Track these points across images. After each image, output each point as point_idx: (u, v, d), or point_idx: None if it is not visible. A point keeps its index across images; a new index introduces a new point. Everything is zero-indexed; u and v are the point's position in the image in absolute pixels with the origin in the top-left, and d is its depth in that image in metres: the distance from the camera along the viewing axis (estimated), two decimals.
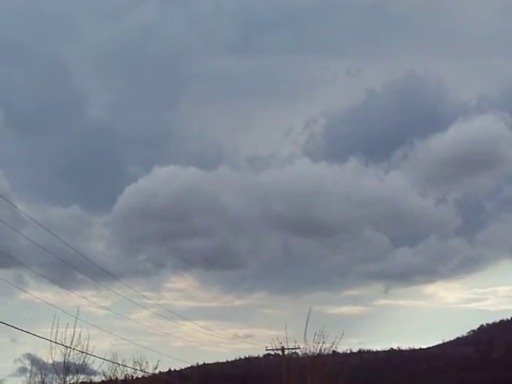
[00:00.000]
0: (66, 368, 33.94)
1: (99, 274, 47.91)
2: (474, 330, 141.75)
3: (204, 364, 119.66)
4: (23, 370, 41.95)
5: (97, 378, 41.73)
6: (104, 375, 40.97)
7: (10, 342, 74.55)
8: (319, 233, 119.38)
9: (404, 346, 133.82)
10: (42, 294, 52.66)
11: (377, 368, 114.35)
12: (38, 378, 35.76)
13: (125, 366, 41.37)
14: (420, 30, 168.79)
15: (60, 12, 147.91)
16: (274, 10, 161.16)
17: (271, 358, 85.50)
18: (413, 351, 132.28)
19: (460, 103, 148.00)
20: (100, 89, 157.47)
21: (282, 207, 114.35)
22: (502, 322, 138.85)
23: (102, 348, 42.58)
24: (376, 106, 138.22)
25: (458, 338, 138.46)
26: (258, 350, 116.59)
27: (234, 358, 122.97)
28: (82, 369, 34.87)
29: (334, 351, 38.46)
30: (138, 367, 42.34)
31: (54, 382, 35.02)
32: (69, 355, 33.48)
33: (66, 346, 32.89)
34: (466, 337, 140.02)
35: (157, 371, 44.98)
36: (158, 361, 43.91)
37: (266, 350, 52.68)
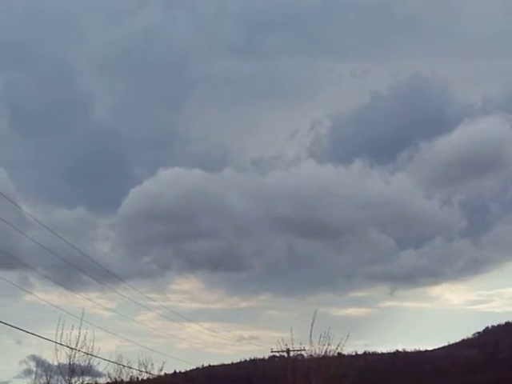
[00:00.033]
0: (71, 370, 33.91)
1: (104, 275, 47.87)
2: (479, 332, 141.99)
3: (209, 366, 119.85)
4: (28, 372, 41.97)
5: (102, 380, 41.73)
6: (109, 377, 40.94)
7: (15, 344, 74.75)
8: (324, 234, 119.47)
9: (409, 348, 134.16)
10: (47, 296, 52.81)
11: (382, 370, 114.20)
12: (43, 380, 35.70)
13: (130, 367, 41.36)
14: (425, 32, 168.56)
15: (65, 14, 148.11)
16: (279, 11, 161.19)
17: (276, 359, 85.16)
18: (418, 353, 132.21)
19: (465, 105, 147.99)
20: (105, 91, 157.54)
21: (287, 209, 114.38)
22: (507, 323, 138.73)
23: (107, 350, 42.67)
24: (381, 107, 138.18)
25: (463, 340, 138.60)
26: (263, 351, 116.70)
27: (239, 360, 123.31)
28: (87, 370, 34.86)
29: (339, 353, 38.34)
30: (143, 369, 42.32)
31: (59, 383, 35.04)
32: (74, 357, 33.48)
33: (71, 348, 32.90)
34: (472, 339, 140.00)
35: (162, 373, 45.01)
36: (163, 362, 43.92)
37: (271, 351, 52.46)
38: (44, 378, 35.59)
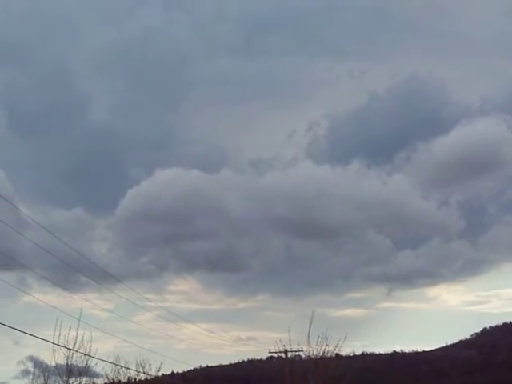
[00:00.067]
0: (69, 370, 33.94)
1: (102, 276, 48.00)
2: (477, 333, 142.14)
3: (207, 366, 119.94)
4: (26, 373, 41.98)
5: (100, 381, 41.77)
6: (107, 377, 41.02)
7: (12, 345, 74.82)
8: (322, 235, 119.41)
9: (407, 349, 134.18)
10: (45, 297, 52.86)
11: (380, 371, 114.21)
12: (40, 381, 35.74)
13: (128, 368, 41.44)
14: (423, 32, 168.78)
15: (63, 15, 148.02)
16: (276, 12, 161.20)
17: (274, 360, 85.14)
18: (416, 354, 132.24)
19: (463, 106, 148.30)
20: (103, 92, 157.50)
21: (284, 210, 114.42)
22: (505, 324, 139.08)
23: (105, 350, 42.57)
24: (379, 108, 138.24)
25: (461, 341, 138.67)
26: (260, 352, 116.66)
27: (236, 361, 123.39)
28: (84, 371, 34.89)
29: (337, 354, 38.35)
30: (140, 369, 42.44)
31: None
32: (72, 357, 33.55)
33: (68, 349, 32.93)
34: (469, 339, 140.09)
35: (160, 374, 45.22)
36: (161, 363, 44.07)
37: (269, 352, 52.48)
38: (42, 378, 35.67)
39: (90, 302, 48.05)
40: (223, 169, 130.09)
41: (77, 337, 32.99)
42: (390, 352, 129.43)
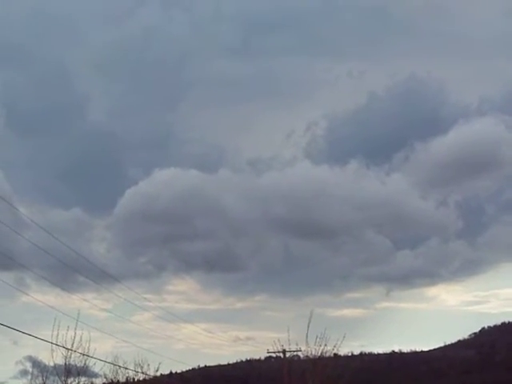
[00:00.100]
0: (68, 370, 33.97)
1: (100, 276, 48.01)
2: (475, 333, 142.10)
3: (205, 366, 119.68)
4: (24, 373, 42.06)
5: (98, 381, 41.73)
6: (105, 377, 41.02)
7: (11, 345, 74.55)
8: (320, 235, 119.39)
9: (405, 349, 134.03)
10: (44, 297, 52.74)
11: (378, 370, 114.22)
12: (39, 381, 35.73)
13: (126, 368, 41.43)
14: (422, 32, 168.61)
15: (62, 15, 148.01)
16: (275, 12, 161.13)
17: (272, 360, 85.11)
18: (414, 354, 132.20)
19: (461, 106, 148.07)
20: (101, 92, 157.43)
21: (283, 210, 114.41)
22: (503, 324, 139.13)
23: (104, 350, 42.63)
24: (378, 108, 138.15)
25: (459, 341, 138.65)
26: (259, 352, 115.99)
27: (235, 361, 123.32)
28: (83, 371, 34.94)
29: (335, 354, 38.46)
30: (139, 369, 42.42)
31: None
32: (70, 357, 33.61)
33: (67, 349, 32.97)
34: (468, 339, 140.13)
35: (158, 374, 45.13)
36: (160, 363, 44.03)
37: (268, 352, 52.43)
38: (40, 378, 35.65)
39: (88, 301, 48.07)
40: (221, 169, 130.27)
41: (75, 337, 33.10)
42: (388, 352, 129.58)
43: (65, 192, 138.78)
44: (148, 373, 42.96)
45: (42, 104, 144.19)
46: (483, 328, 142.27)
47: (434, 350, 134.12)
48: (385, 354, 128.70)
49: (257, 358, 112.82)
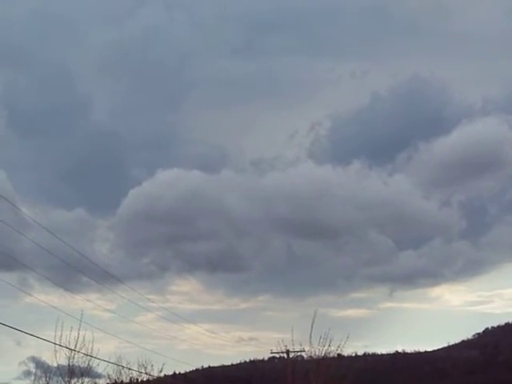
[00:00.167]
0: (71, 371, 33.93)
1: (104, 276, 47.96)
2: (479, 333, 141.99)
3: (209, 367, 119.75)
4: (28, 373, 41.91)
5: (101, 381, 41.70)
6: (109, 378, 40.97)
7: (14, 345, 74.67)
8: (323, 235, 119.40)
9: (409, 349, 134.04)
10: (47, 297, 52.84)
11: (382, 371, 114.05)
12: (42, 381, 35.73)
13: (130, 368, 41.43)
14: (425, 32, 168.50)
15: (63, 16, 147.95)
16: (278, 12, 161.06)
17: (276, 360, 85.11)
18: (418, 354, 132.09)
19: (465, 106, 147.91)
20: (104, 92, 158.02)
21: (286, 210, 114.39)
22: (507, 324, 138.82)
23: (107, 351, 42.54)
24: (381, 108, 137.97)
25: (463, 341, 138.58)
26: (262, 352, 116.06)
27: (238, 361, 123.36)
28: (86, 372, 34.90)
29: (339, 354, 38.34)
30: (142, 370, 42.40)
31: None
32: (73, 358, 33.57)
33: (70, 349, 32.94)
34: (471, 340, 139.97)
35: (162, 374, 45.12)
36: (163, 364, 44.04)
37: (271, 352, 52.48)
38: (43, 379, 35.67)
39: (91, 302, 48.09)
40: (224, 169, 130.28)
41: (78, 337, 33.09)
42: (392, 352, 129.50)
43: (68, 192, 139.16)
44: (151, 373, 42.99)
45: (43, 104, 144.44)
46: (487, 328, 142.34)
47: (438, 350, 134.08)
48: (388, 355, 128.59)
49: (260, 358, 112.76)
